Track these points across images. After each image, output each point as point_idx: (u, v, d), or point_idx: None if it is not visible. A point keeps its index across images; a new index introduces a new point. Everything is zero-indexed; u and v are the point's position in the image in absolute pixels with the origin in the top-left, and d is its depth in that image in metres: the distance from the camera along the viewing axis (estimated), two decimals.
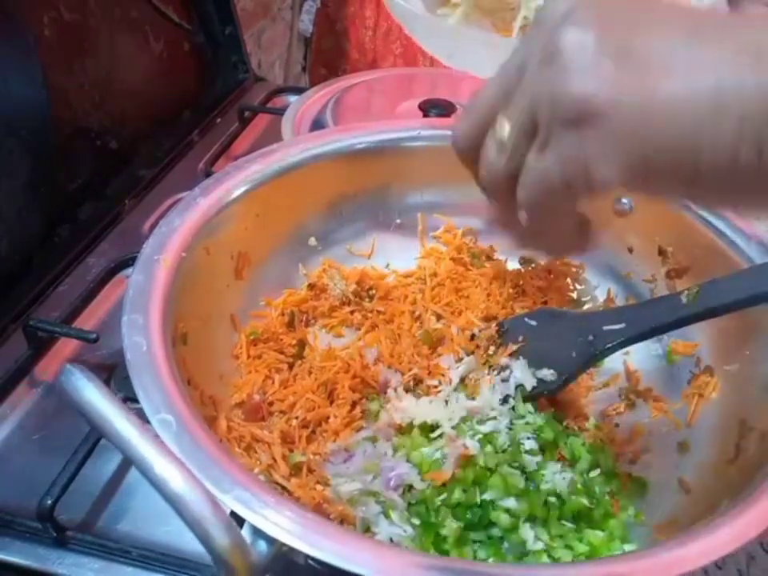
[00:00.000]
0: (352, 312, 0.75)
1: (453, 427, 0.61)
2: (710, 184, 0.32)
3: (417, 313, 0.73)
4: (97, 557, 0.58)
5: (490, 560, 0.55)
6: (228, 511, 0.43)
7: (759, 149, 0.29)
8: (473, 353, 0.69)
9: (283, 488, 0.57)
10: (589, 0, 0.34)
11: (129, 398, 0.65)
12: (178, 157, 1.03)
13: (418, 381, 0.68)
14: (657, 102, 0.31)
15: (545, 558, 0.55)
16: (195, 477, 0.43)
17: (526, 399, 0.64)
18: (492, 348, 0.68)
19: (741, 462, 0.58)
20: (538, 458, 0.60)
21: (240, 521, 0.44)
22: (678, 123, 0.31)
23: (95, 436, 0.62)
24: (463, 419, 0.62)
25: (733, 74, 0.30)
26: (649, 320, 0.62)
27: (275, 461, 0.59)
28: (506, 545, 0.56)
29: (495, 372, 0.67)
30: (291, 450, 0.61)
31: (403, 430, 0.63)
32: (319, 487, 0.58)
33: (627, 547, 0.56)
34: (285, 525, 0.43)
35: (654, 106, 0.31)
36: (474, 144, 0.46)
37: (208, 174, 0.91)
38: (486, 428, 0.61)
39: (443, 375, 0.67)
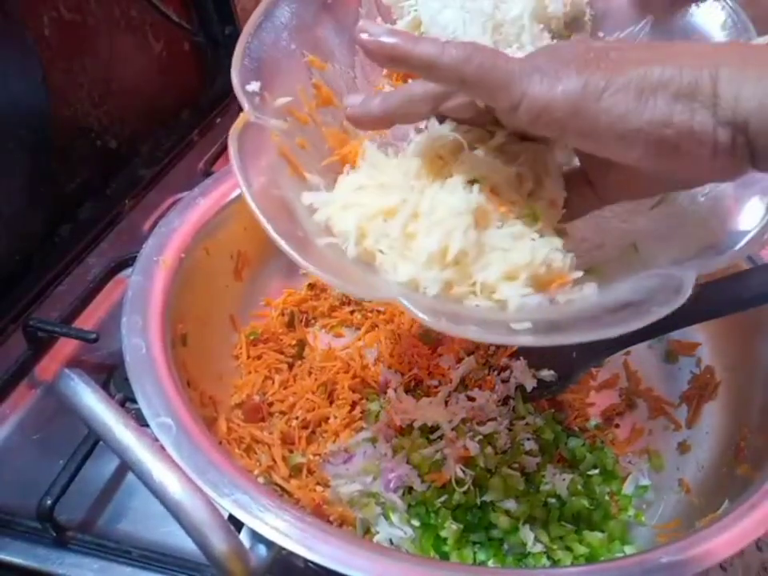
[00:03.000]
0: (352, 312, 0.75)
1: (453, 428, 0.61)
2: None
3: None
4: (97, 557, 0.58)
5: (490, 562, 0.55)
6: (226, 516, 0.43)
7: None
8: (473, 353, 0.69)
9: (283, 489, 0.57)
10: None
11: (129, 399, 0.65)
12: (177, 156, 1.02)
13: (418, 381, 0.68)
14: None
15: (544, 560, 0.55)
16: (194, 483, 0.43)
17: (526, 400, 0.64)
18: (492, 348, 0.68)
19: (741, 463, 0.58)
20: (538, 459, 0.60)
21: (239, 525, 0.44)
22: None
23: (95, 436, 0.62)
24: (463, 420, 0.62)
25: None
26: None
27: (275, 462, 0.59)
28: (505, 546, 0.56)
29: (495, 373, 0.67)
30: (291, 451, 0.61)
31: (403, 431, 0.63)
32: (319, 488, 0.59)
33: (627, 549, 0.56)
34: (283, 529, 0.43)
35: None
36: None
37: (208, 174, 0.91)
38: (486, 429, 0.61)
39: (443, 375, 0.67)
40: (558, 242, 0.41)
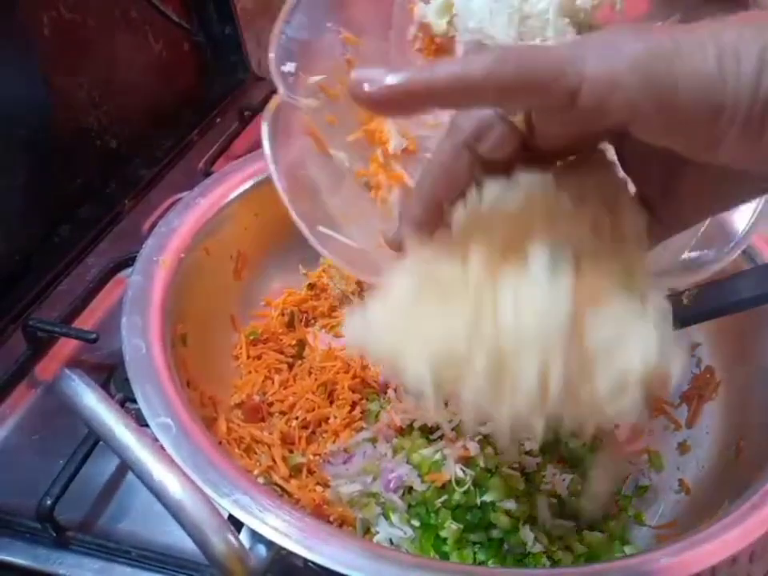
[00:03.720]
0: None
1: (453, 428, 0.61)
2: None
3: None
4: (97, 557, 0.58)
5: (490, 562, 0.55)
6: (226, 515, 0.43)
7: None
8: None
9: (283, 489, 0.57)
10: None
11: (129, 399, 0.65)
12: (177, 156, 1.02)
13: None
14: None
15: (544, 560, 0.55)
16: (193, 483, 0.43)
17: None
18: None
19: (741, 463, 0.58)
20: (538, 460, 0.60)
21: (239, 525, 0.44)
22: None
23: (95, 436, 0.62)
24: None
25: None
26: None
27: (275, 462, 0.59)
28: (505, 546, 0.56)
29: None
30: (291, 451, 0.61)
31: (403, 431, 0.63)
32: (319, 489, 0.58)
33: (627, 549, 0.56)
34: (283, 528, 0.43)
35: None
36: None
37: (208, 174, 0.91)
38: (486, 429, 0.61)
39: None
40: (660, 301, 0.32)
